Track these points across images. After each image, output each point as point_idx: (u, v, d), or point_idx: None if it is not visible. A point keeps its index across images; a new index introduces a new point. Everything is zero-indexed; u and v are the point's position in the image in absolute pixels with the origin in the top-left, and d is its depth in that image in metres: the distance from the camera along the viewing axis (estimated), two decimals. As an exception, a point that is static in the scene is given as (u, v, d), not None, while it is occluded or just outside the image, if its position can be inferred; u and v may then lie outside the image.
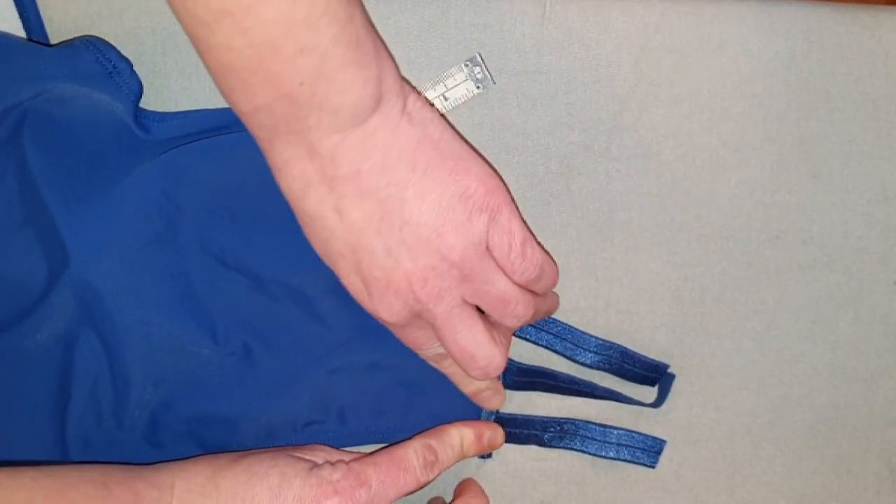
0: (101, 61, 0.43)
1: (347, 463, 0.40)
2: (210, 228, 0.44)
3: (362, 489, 0.39)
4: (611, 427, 0.47)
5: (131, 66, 0.44)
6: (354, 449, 0.45)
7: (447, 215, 0.38)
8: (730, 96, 0.47)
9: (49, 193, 0.42)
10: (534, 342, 0.47)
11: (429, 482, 0.42)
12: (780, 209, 0.48)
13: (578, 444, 0.47)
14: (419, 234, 0.38)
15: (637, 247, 0.48)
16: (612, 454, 0.47)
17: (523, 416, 0.47)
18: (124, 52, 0.44)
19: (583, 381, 0.47)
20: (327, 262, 0.40)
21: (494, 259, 0.40)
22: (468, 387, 0.45)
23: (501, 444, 0.46)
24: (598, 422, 0.47)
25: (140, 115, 0.44)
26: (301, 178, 0.37)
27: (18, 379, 0.43)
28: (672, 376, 0.48)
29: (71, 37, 0.44)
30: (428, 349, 0.43)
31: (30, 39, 0.44)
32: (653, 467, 0.48)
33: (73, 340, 0.42)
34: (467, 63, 0.46)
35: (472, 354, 0.40)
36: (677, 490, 0.48)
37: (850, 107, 0.47)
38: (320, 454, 0.42)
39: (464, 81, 0.46)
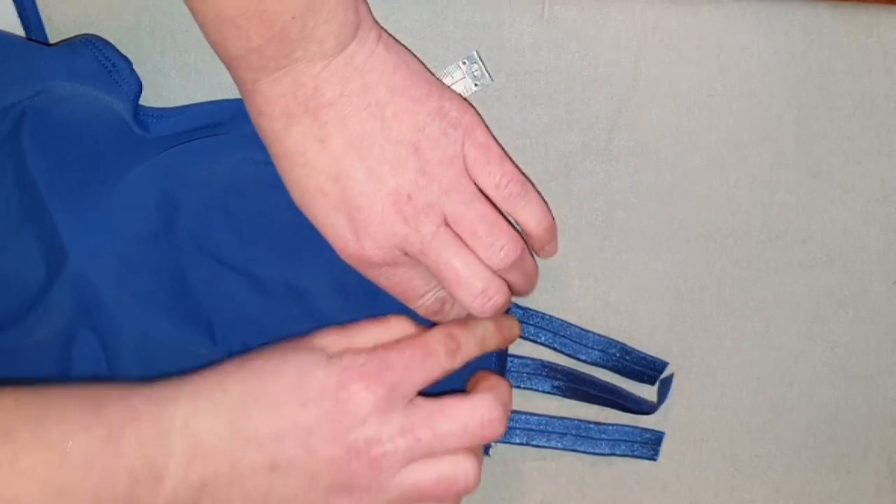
0: (100, 60, 0.43)
1: (370, 349, 0.39)
2: (207, 227, 0.44)
3: (388, 372, 0.37)
4: (607, 424, 0.47)
5: (131, 64, 0.44)
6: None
7: (424, 131, 0.39)
8: (728, 95, 0.47)
9: (48, 192, 0.42)
10: (533, 340, 0.47)
11: (452, 370, 0.40)
12: (780, 208, 0.48)
13: (571, 443, 0.47)
14: (398, 151, 0.39)
15: (636, 246, 0.48)
16: (608, 451, 0.47)
17: (524, 412, 0.47)
18: (123, 51, 0.44)
19: (583, 374, 0.47)
20: (305, 207, 0.40)
21: (474, 177, 0.40)
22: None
23: (518, 335, 0.44)
24: (596, 420, 0.47)
25: (139, 113, 0.44)
26: (284, 114, 0.38)
27: (17, 378, 0.43)
28: (669, 381, 0.48)
29: (70, 35, 0.45)
30: (424, 295, 0.42)
31: (29, 38, 0.44)
32: (654, 460, 0.47)
33: (71, 340, 0.42)
34: (465, 61, 0.46)
35: (466, 277, 0.40)
36: (677, 489, 0.48)
37: (849, 105, 0.47)
38: (332, 339, 0.40)
39: (462, 79, 0.46)
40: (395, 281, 0.41)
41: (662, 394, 0.48)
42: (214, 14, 0.36)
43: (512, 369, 0.47)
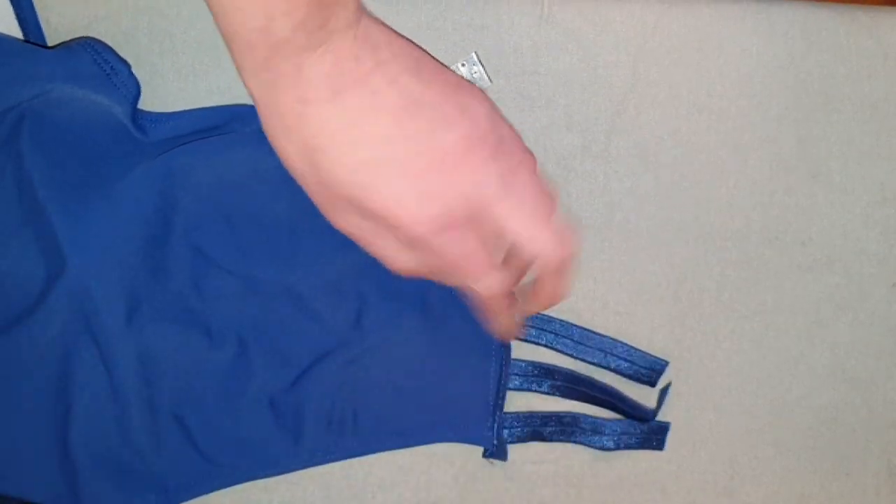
0: (99, 63, 0.43)
1: None
2: (205, 229, 0.44)
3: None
4: (611, 420, 0.47)
5: (129, 67, 0.44)
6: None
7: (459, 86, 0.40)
8: (728, 97, 0.47)
9: (46, 195, 0.42)
10: (534, 342, 0.47)
11: None
12: (779, 210, 0.48)
13: (579, 436, 0.47)
14: (445, 108, 0.38)
15: (635, 248, 0.48)
16: (614, 444, 0.47)
17: (524, 412, 0.47)
18: (121, 53, 0.44)
19: (582, 376, 0.47)
20: (362, 180, 0.38)
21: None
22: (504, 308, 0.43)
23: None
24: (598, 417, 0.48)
25: (138, 117, 0.44)
26: (334, 93, 0.37)
27: (17, 383, 0.43)
28: (666, 389, 0.48)
29: (68, 38, 0.44)
30: (490, 264, 0.40)
31: (27, 41, 0.44)
32: (660, 449, 0.48)
33: (70, 343, 0.42)
34: (464, 63, 0.46)
35: (544, 213, 0.40)
36: (675, 491, 0.48)
37: (849, 107, 0.47)
38: None
39: (461, 82, 0.46)
40: (460, 250, 0.40)
41: (660, 402, 0.48)
42: None
43: (510, 373, 0.47)
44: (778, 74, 0.47)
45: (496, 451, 0.46)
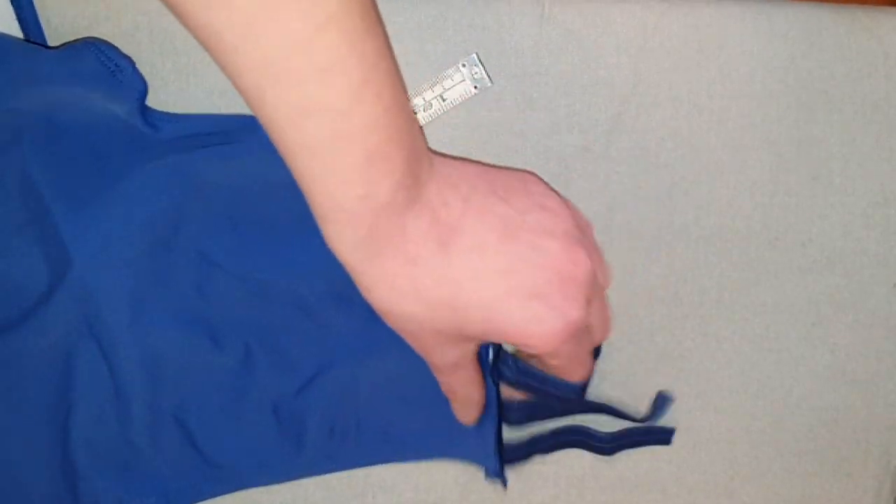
0: (102, 60, 0.43)
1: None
2: (212, 234, 0.43)
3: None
4: (616, 432, 0.47)
5: (133, 64, 0.43)
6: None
7: (535, 200, 0.41)
8: (729, 98, 0.47)
9: (50, 196, 0.42)
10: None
11: None
12: (780, 211, 0.48)
13: (583, 438, 0.47)
14: (532, 219, 0.40)
15: (636, 249, 0.47)
16: (615, 449, 0.47)
17: (526, 438, 0.47)
18: (122, 54, 0.44)
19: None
20: (496, 314, 0.38)
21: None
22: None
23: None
24: (596, 427, 0.47)
25: (148, 114, 0.43)
26: (440, 246, 0.37)
27: (19, 383, 0.43)
28: (667, 398, 0.48)
29: (68, 38, 0.44)
30: (586, 354, 0.43)
31: (28, 41, 0.44)
32: (668, 444, 0.48)
33: (73, 344, 0.42)
34: (465, 64, 0.46)
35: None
36: (676, 493, 0.48)
37: (850, 108, 0.47)
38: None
39: (461, 82, 0.46)
40: (577, 350, 0.41)
41: (659, 408, 0.48)
42: (362, 150, 0.34)
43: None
44: (778, 74, 0.47)
45: (498, 474, 0.46)
